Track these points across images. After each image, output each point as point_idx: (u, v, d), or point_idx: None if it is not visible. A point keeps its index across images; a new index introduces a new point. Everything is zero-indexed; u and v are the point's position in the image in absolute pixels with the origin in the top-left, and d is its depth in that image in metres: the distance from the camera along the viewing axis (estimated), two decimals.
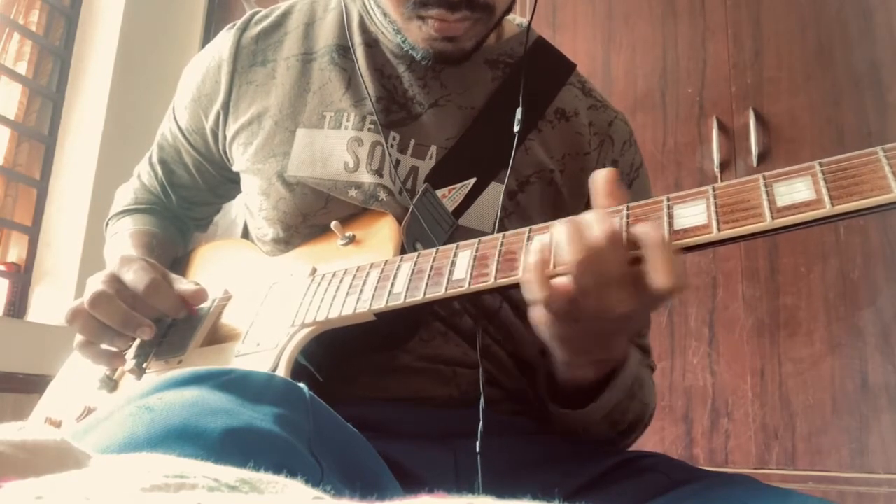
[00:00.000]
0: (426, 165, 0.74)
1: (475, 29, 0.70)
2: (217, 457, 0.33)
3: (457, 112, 0.76)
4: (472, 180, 0.73)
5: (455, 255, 0.58)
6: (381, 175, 0.72)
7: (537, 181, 0.76)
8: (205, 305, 0.75)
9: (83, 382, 0.77)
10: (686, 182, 1.81)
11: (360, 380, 0.69)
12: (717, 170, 1.78)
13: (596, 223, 0.50)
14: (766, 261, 1.69)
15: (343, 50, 0.79)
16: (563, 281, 0.50)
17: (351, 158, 0.73)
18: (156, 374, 0.72)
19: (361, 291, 0.61)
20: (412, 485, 0.57)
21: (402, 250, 0.67)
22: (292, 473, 0.28)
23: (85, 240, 2.01)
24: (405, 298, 0.58)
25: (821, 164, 0.46)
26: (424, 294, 0.57)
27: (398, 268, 0.61)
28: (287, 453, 0.41)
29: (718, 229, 0.47)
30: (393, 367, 0.69)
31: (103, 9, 2.22)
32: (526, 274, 0.51)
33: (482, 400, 0.64)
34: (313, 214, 0.74)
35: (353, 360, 0.68)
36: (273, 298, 0.69)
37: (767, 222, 0.46)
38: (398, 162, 0.74)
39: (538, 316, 0.54)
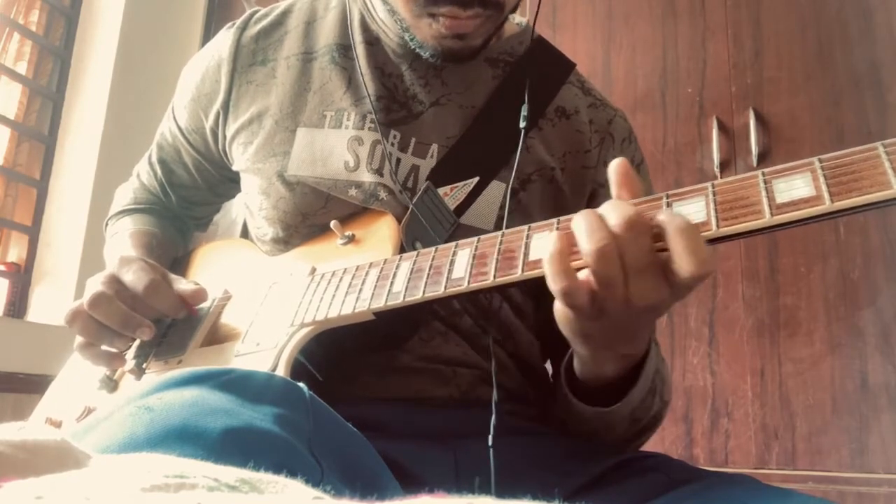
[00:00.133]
0: (427, 164, 0.74)
1: (485, 26, 0.70)
2: (217, 457, 0.33)
3: (458, 111, 0.76)
4: (475, 179, 0.73)
5: (454, 253, 0.58)
6: (381, 174, 0.72)
7: (538, 179, 0.76)
8: (204, 305, 0.75)
9: (83, 382, 0.77)
10: (686, 182, 1.81)
11: (359, 379, 0.69)
12: (717, 170, 1.78)
13: (615, 211, 0.48)
14: (766, 261, 1.69)
15: (344, 49, 0.79)
16: (585, 272, 0.49)
17: (351, 158, 0.73)
18: (156, 374, 0.72)
19: (361, 291, 0.61)
20: (412, 485, 0.57)
21: (402, 249, 0.67)
22: (292, 473, 0.28)
23: (85, 240, 2.01)
24: (404, 297, 0.58)
25: (820, 161, 0.46)
26: (423, 293, 0.57)
27: (397, 267, 0.61)
28: (287, 453, 0.41)
29: (717, 226, 0.47)
30: (393, 366, 0.69)
31: (103, 9, 2.22)
32: (547, 265, 0.50)
33: (494, 394, 0.64)
34: (313, 214, 0.74)
35: (352, 359, 0.68)
36: (272, 298, 0.69)
37: (767, 219, 0.45)
38: (399, 161, 0.74)
39: (561, 312, 0.53)
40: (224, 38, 0.83)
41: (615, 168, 0.52)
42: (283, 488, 0.25)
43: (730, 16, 1.87)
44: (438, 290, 0.56)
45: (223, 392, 0.43)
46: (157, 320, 0.71)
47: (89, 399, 0.74)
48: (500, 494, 0.24)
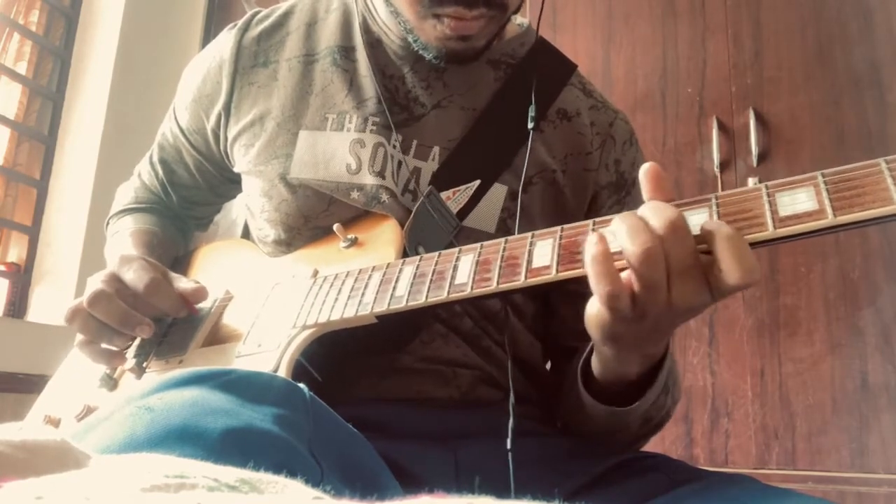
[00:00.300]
0: (429, 167, 0.74)
1: (488, 27, 0.70)
2: (217, 457, 0.33)
3: (459, 113, 0.76)
4: (477, 182, 0.73)
5: (457, 259, 0.58)
6: (383, 177, 0.72)
7: (540, 181, 0.76)
8: (206, 305, 0.75)
9: (83, 380, 0.77)
10: (686, 182, 1.82)
11: (360, 381, 0.69)
12: (717, 170, 1.78)
13: (657, 213, 0.48)
14: (766, 261, 1.69)
15: (345, 51, 0.79)
16: (625, 274, 0.49)
17: (353, 160, 0.73)
18: (156, 373, 0.72)
19: (363, 294, 0.61)
20: (412, 485, 0.57)
21: (405, 253, 0.67)
22: (292, 473, 0.28)
23: (85, 240, 2.01)
24: (407, 302, 0.58)
25: (823, 175, 0.46)
26: (426, 298, 0.57)
27: (400, 271, 0.61)
28: (287, 453, 0.41)
29: None
30: (393, 368, 0.69)
31: (103, 9, 2.22)
32: (591, 266, 0.48)
33: (511, 396, 0.63)
34: (315, 217, 0.74)
35: (353, 361, 0.69)
36: (275, 299, 0.70)
37: (770, 231, 0.46)
38: (400, 164, 0.74)
39: (597, 315, 0.52)
40: (225, 40, 0.83)
41: (647, 172, 0.51)
42: (283, 488, 0.25)
43: (730, 16, 1.87)
44: (441, 296, 0.57)
45: (224, 392, 0.43)
46: (157, 319, 0.71)
47: (89, 397, 0.74)
48: (501, 494, 0.24)
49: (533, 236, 0.56)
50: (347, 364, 0.68)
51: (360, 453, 0.49)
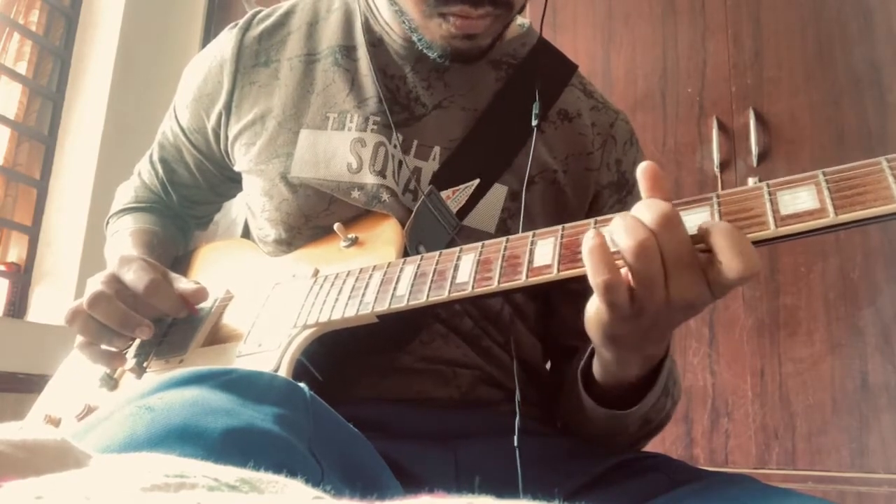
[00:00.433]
0: (429, 167, 0.74)
1: (494, 26, 0.70)
2: (217, 456, 0.33)
3: (460, 113, 0.76)
4: (476, 182, 0.73)
5: (458, 258, 0.58)
6: (384, 176, 0.72)
7: (541, 181, 0.76)
8: (206, 305, 0.75)
9: (84, 380, 0.77)
10: (686, 182, 1.82)
11: (360, 380, 0.69)
12: (717, 170, 1.78)
13: (650, 209, 0.48)
14: (766, 260, 1.69)
15: (346, 50, 0.79)
16: (625, 272, 0.49)
17: (354, 160, 0.73)
18: (156, 373, 0.72)
19: (364, 294, 0.61)
20: (412, 485, 0.57)
21: (405, 253, 0.67)
22: (292, 473, 0.28)
23: (85, 240, 2.01)
24: (408, 301, 0.58)
25: (824, 174, 0.46)
26: (427, 297, 0.57)
27: (401, 270, 0.61)
28: (287, 453, 0.41)
29: None
30: (394, 367, 0.69)
31: (103, 9, 2.22)
32: (588, 257, 0.49)
33: (517, 393, 0.64)
34: (316, 216, 0.74)
35: (354, 361, 0.69)
36: (275, 299, 0.70)
37: (772, 230, 0.46)
38: (401, 163, 0.74)
39: (595, 315, 0.52)
40: (227, 39, 0.83)
41: (644, 171, 0.51)
42: (283, 488, 0.25)
43: (730, 16, 1.87)
44: (442, 295, 0.56)
45: (224, 392, 0.43)
46: (157, 320, 0.71)
47: (90, 397, 0.74)
48: (501, 494, 0.24)
49: (534, 235, 0.56)
50: (348, 364, 0.68)
51: (360, 453, 0.49)
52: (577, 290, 0.68)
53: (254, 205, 0.80)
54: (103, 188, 2.03)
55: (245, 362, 0.64)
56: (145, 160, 0.95)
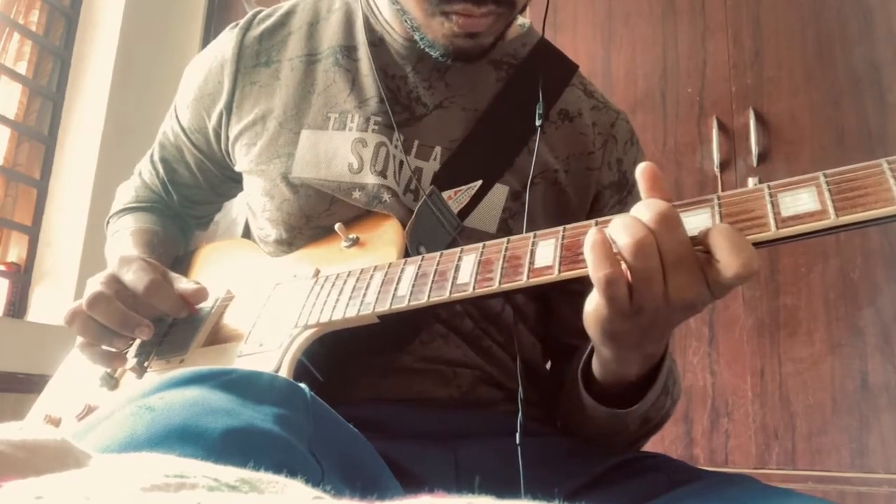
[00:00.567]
0: (430, 167, 0.74)
1: (496, 25, 0.70)
2: (217, 456, 0.33)
3: (461, 113, 0.76)
4: (478, 182, 0.73)
5: (460, 258, 0.59)
6: (384, 176, 0.72)
7: (542, 181, 0.76)
8: (207, 305, 0.75)
9: (84, 380, 0.77)
10: (686, 182, 1.82)
11: (361, 381, 0.69)
12: (717, 170, 1.78)
13: (647, 207, 0.48)
14: (766, 261, 1.69)
15: (347, 50, 0.79)
16: (624, 269, 0.49)
17: (355, 160, 0.73)
18: (157, 372, 0.72)
19: (365, 294, 0.61)
20: (412, 485, 0.57)
21: (406, 253, 0.67)
22: (292, 473, 0.28)
23: (85, 240, 2.01)
24: (409, 301, 0.58)
25: (825, 176, 0.46)
26: (428, 297, 0.57)
27: (402, 271, 0.61)
28: (287, 453, 0.41)
29: None
30: (394, 368, 0.69)
31: (103, 9, 2.22)
32: (589, 252, 0.49)
33: (520, 391, 0.64)
34: (317, 216, 0.74)
35: (354, 361, 0.69)
36: (276, 299, 0.70)
37: (773, 231, 0.46)
38: (402, 163, 0.74)
39: (595, 312, 0.52)
40: (227, 39, 0.83)
41: (643, 172, 0.51)
42: (283, 488, 0.25)
43: (730, 16, 1.87)
44: (443, 295, 0.57)
45: (224, 392, 0.43)
46: (158, 319, 0.71)
47: (90, 397, 0.74)
48: (501, 494, 0.24)
49: (535, 236, 0.56)
50: (349, 364, 0.68)
51: (360, 453, 0.49)
52: (577, 290, 0.67)
53: (255, 205, 0.80)
54: (103, 188, 2.03)
55: (246, 362, 0.64)
56: (146, 160, 0.95)
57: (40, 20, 2.13)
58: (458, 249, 0.59)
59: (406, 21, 0.72)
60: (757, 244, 0.47)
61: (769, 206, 0.47)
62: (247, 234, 0.92)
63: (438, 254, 0.61)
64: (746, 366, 1.67)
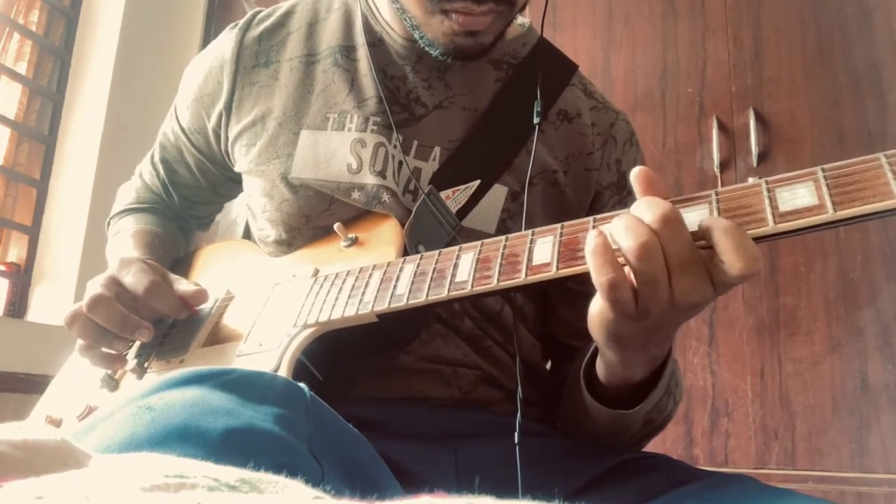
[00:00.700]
0: (429, 167, 0.74)
1: (496, 23, 0.70)
2: (217, 456, 0.33)
3: (460, 114, 0.76)
4: (476, 182, 0.73)
5: (458, 257, 0.58)
6: (384, 177, 0.72)
7: (541, 182, 0.76)
8: (207, 305, 0.75)
9: (85, 381, 0.77)
10: (686, 182, 1.82)
11: (361, 380, 0.69)
12: (717, 170, 1.78)
13: (650, 208, 0.48)
14: (765, 260, 1.69)
15: (346, 51, 0.79)
16: (628, 272, 0.48)
17: (354, 160, 0.73)
18: (157, 373, 0.72)
19: (364, 293, 0.61)
20: (412, 485, 0.57)
21: (405, 252, 0.67)
22: (292, 473, 0.28)
23: (85, 240, 2.01)
24: (407, 300, 0.58)
25: (823, 170, 0.46)
26: (427, 296, 0.57)
27: (401, 269, 0.61)
28: (287, 453, 0.41)
29: None
30: (394, 367, 0.69)
31: (103, 9, 2.22)
32: (591, 257, 0.49)
33: (519, 390, 0.63)
34: (316, 216, 0.74)
35: (354, 360, 0.69)
36: (275, 299, 0.70)
37: (770, 227, 0.46)
38: (401, 164, 0.74)
39: (599, 315, 0.52)
40: (227, 39, 0.83)
41: (637, 176, 0.51)
42: (283, 488, 0.25)
43: (730, 16, 1.87)
44: (442, 294, 0.56)
45: (224, 392, 0.43)
46: (158, 320, 0.71)
47: (91, 397, 0.74)
48: (501, 494, 0.24)
49: (533, 234, 0.56)
50: (348, 363, 0.68)
51: (360, 453, 0.49)
52: (575, 289, 0.67)
53: (254, 205, 0.80)
54: (103, 188, 2.03)
55: (245, 362, 0.64)
56: (146, 161, 0.95)
57: (40, 20, 2.13)
58: (457, 248, 0.59)
59: (406, 20, 0.72)
60: (755, 239, 0.46)
61: (767, 202, 0.47)
62: (247, 234, 0.92)
63: (437, 252, 0.61)
64: (746, 366, 1.67)
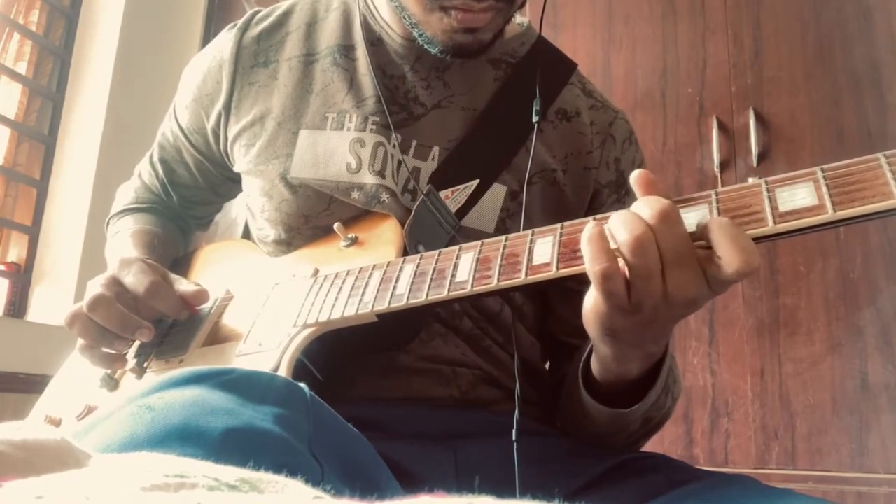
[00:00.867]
0: (428, 167, 0.74)
1: (495, 20, 0.70)
2: (217, 456, 0.33)
3: (459, 113, 0.76)
4: (476, 182, 0.73)
5: (458, 257, 0.58)
6: (383, 176, 0.72)
7: (540, 181, 0.76)
8: (206, 305, 0.75)
9: (84, 381, 0.77)
10: (686, 182, 1.82)
11: (360, 380, 0.69)
12: (717, 170, 1.78)
13: (647, 205, 0.48)
14: (765, 260, 1.69)
15: (345, 50, 0.79)
16: (621, 264, 0.49)
17: (353, 160, 0.73)
18: (157, 373, 0.72)
19: (364, 293, 0.61)
20: (412, 485, 0.57)
21: (405, 252, 0.67)
22: (292, 473, 0.28)
23: (85, 240, 2.01)
24: (407, 300, 0.58)
25: (823, 170, 0.46)
26: (427, 296, 0.57)
27: (401, 269, 0.61)
28: (287, 453, 0.41)
29: None
30: (393, 367, 0.69)
31: (103, 9, 2.22)
32: (586, 247, 0.49)
33: (517, 388, 0.63)
34: (316, 216, 0.74)
35: (354, 360, 0.69)
36: (275, 299, 0.70)
37: (770, 227, 0.46)
38: (400, 163, 0.74)
39: (594, 309, 0.52)
40: (226, 39, 0.83)
41: (637, 180, 0.51)
42: (283, 488, 0.25)
43: (730, 16, 1.87)
44: (442, 293, 0.56)
45: (224, 392, 0.43)
46: (158, 320, 0.71)
47: (90, 397, 0.74)
48: (500, 494, 0.24)
49: (533, 234, 0.56)
50: (348, 363, 0.68)
51: (360, 453, 0.49)
52: (575, 288, 0.67)
53: (253, 205, 0.80)
54: (103, 188, 2.03)
55: (245, 362, 0.64)
56: (145, 161, 0.95)
57: (40, 20, 2.13)
58: (457, 248, 0.59)
59: (405, 18, 0.72)
60: (755, 240, 0.46)
61: (766, 202, 0.47)
62: (246, 234, 0.92)
63: (437, 252, 0.61)
64: (746, 366, 1.67)
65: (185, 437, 0.38)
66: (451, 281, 0.57)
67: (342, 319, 0.61)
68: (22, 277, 2.02)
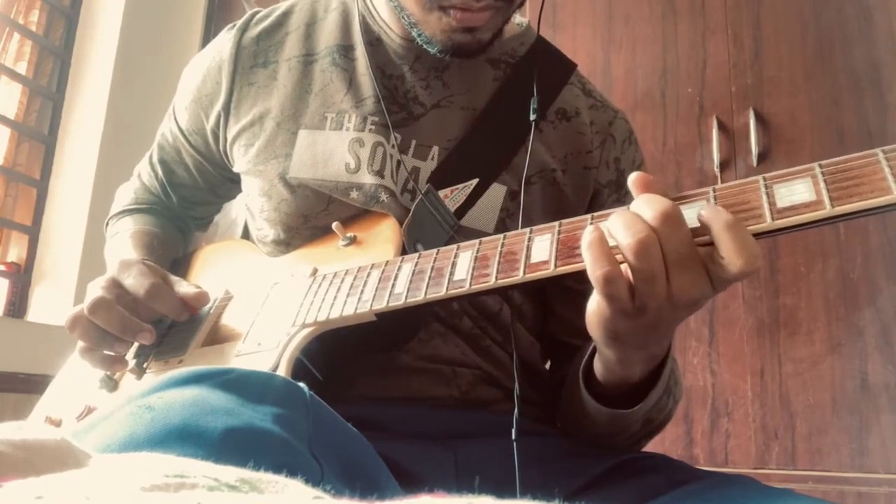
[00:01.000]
0: (428, 166, 0.74)
1: (494, 20, 0.70)
2: (217, 456, 0.33)
3: (459, 113, 0.76)
4: (475, 181, 0.73)
5: (456, 255, 0.58)
6: (382, 176, 0.72)
7: (539, 181, 0.76)
8: (206, 306, 0.75)
9: (84, 381, 0.77)
10: (686, 182, 1.82)
11: (360, 380, 0.69)
12: (717, 170, 1.78)
13: (649, 205, 0.48)
14: (765, 260, 1.69)
15: (344, 50, 0.79)
16: (624, 268, 0.48)
17: (352, 159, 0.73)
18: (156, 373, 0.72)
19: (362, 292, 0.61)
20: (412, 485, 0.57)
21: (403, 251, 0.67)
22: (292, 473, 0.28)
23: (85, 240, 2.01)
24: (406, 299, 0.58)
25: (821, 166, 0.46)
26: (425, 294, 0.57)
27: (399, 268, 0.61)
28: (287, 453, 0.41)
29: None
30: (393, 367, 0.69)
31: (103, 9, 2.22)
32: (587, 251, 0.48)
33: (517, 387, 0.63)
34: (314, 216, 0.74)
35: (353, 360, 0.69)
36: (274, 299, 0.70)
37: (768, 223, 0.46)
38: (399, 163, 0.74)
39: (597, 312, 0.52)
40: (225, 40, 0.83)
41: (635, 182, 0.51)
42: (283, 488, 0.25)
43: (730, 16, 1.87)
44: (440, 292, 0.56)
45: (224, 391, 0.43)
46: (157, 321, 0.71)
47: (90, 398, 0.74)
48: (500, 494, 0.24)
49: (531, 231, 0.56)
50: (347, 362, 0.68)
51: (360, 453, 0.49)
52: (573, 287, 0.67)
53: (252, 205, 0.80)
54: (103, 188, 2.03)
55: (244, 361, 0.64)
56: (145, 161, 0.95)
57: (40, 20, 2.13)
58: (455, 246, 0.59)
59: (404, 17, 0.72)
60: (753, 236, 0.46)
61: (764, 198, 0.47)
62: (246, 234, 0.92)
63: (435, 251, 0.61)
64: (746, 366, 1.67)
65: (184, 437, 0.38)
66: (449, 279, 0.57)
67: (341, 319, 0.61)
68: (22, 277, 2.02)
